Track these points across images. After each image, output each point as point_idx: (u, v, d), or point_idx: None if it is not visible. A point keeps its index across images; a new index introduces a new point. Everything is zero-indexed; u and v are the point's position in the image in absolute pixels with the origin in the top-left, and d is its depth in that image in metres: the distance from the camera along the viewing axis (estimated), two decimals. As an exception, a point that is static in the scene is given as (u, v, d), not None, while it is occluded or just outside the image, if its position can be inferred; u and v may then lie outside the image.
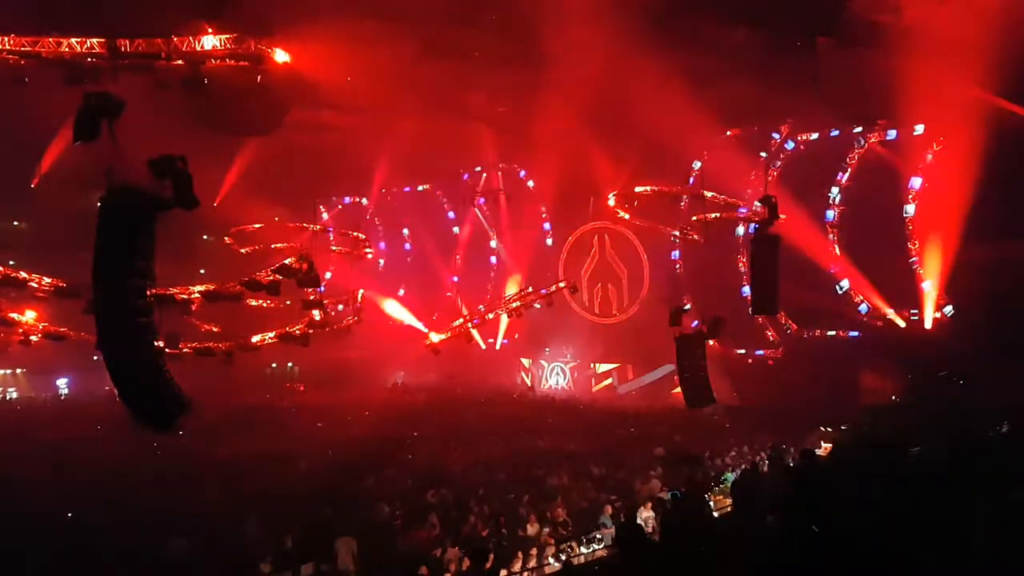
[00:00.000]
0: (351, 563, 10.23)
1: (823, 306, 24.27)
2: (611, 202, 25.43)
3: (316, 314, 23.96)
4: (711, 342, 17.33)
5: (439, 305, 33.19)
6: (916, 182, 22.22)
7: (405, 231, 36.19)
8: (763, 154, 24.83)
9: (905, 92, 20.52)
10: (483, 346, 26.45)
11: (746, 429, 20.14)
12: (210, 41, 16.71)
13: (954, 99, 18.79)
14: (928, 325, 21.91)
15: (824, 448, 15.15)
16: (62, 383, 30.79)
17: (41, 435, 20.76)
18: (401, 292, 35.51)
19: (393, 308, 34.39)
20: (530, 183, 31.74)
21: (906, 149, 22.61)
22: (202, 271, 29.39)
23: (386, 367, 33.05)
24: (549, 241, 32.40)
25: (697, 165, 22.23)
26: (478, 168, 32.70)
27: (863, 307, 23.20)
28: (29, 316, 21.73)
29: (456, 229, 34.09)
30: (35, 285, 19.96)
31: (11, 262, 22.77)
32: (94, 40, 16.48)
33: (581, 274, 31.43)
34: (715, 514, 11.56)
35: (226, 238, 30.09)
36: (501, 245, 33.59)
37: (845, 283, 23.58)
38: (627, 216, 26.90)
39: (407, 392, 30.02)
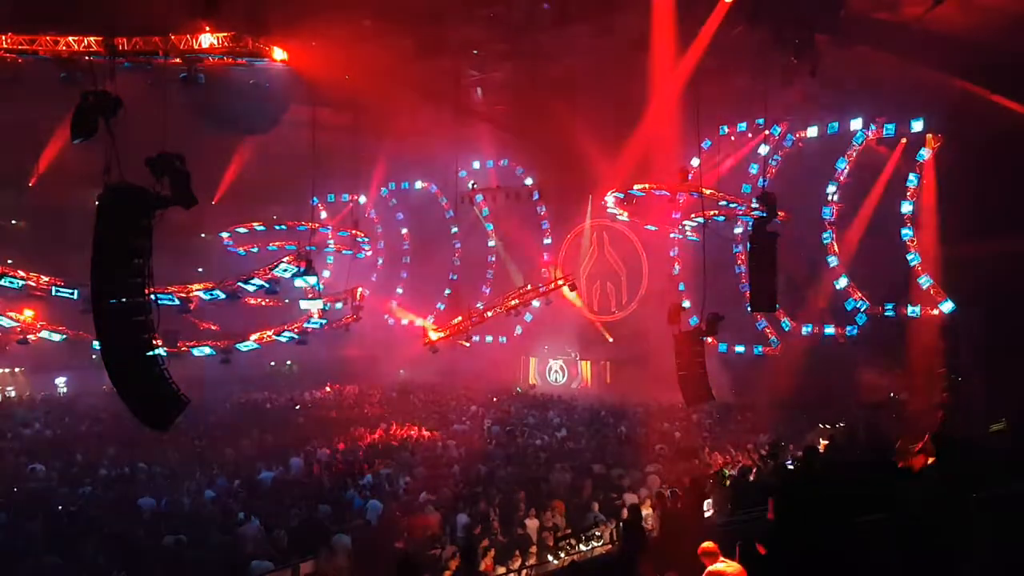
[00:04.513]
0: (347, 562, 10.23)
1: (822, 304, 24.32)
2: (609, 200, 25.40)
3: (314, 312, 23.97)
4: (709, 339, 17.30)
5: (437, 303, 33.16)
6: (914, 179, 22.22)
7: (403, 229, 36.15)
8: (761, 151, 24.83)
9: (903, 89, 20.57)
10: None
11: (745, 427, 20.19)
12: (208, 39, 16.67)
13: (952, 96, 18.80)
14: (926, 322, 21.92)
15: (823, 445, 15.22)
16: (60, 381, 30.76)
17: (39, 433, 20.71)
18: (399, 290, 35.49)
19: (392, 306, 34.36)
20: (528, 181, 31.68)
21: (904, 146, 22.61)
22: (200, 269, 29.36)
23: (385, 366, 33.02)
24: (547, 239, 32.37)
25: (695, 163, 22.24)
26: (476, 166, 32.64)
27: (861, 304, 23.22)
28: (27, 315, 21.77)
29: (454, 228, 33.97)
30: (33, 284, 19.99)
31: (9, 261, 22.79)
32: (91, 38, 16.44)
33: (580, 272, 31.42)
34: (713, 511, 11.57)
35: (224, 236, 30.09)
36: (499, 243, 33.56)
37: (843, 280, 23.61)
38: (625, 215, 26.86)
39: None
